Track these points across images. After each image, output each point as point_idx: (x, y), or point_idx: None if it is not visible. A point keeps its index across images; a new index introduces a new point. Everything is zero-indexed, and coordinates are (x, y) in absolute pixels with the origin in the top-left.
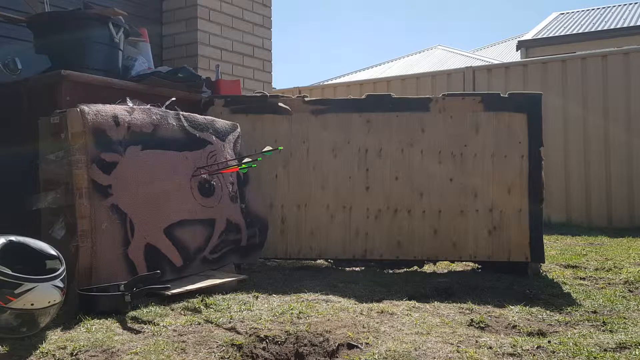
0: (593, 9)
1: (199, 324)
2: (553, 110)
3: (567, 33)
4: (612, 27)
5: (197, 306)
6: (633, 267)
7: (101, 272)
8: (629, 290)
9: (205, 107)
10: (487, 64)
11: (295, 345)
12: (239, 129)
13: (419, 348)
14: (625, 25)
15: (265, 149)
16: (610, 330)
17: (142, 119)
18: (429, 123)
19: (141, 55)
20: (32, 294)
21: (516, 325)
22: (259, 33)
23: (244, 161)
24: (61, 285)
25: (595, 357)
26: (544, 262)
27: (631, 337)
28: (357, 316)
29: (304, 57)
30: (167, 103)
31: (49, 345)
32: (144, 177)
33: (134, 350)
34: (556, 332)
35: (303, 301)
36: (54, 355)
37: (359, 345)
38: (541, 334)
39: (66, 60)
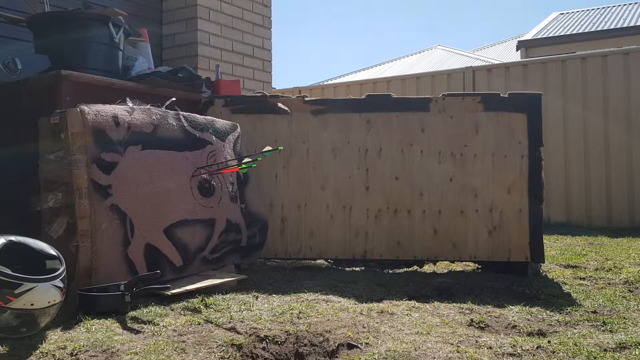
0: (593, 9)
1: (199, 324)
2: (553, 110)
3: (567, 33)
4: (612, 27)
5: (197, 306)
6: (633, 267)
7: (101, 272)
8: (629, 290)
9: (205, 107)
10: (487, 64)
11: (295, 345)
12: (239, 129)
13: (419, 348)
14: (625, 25)
15: (265, 149)
16: (610, 330)
17: (142, 119)
18: (429, 123)
19: (141, 55)
20: (32, 294)
21: (516, 325)
22: (259, 33)
23: (244, 161)
24: (61, 285)
25: (595, 357)
26: (544, 262)
27: (631, 337)
28: (357, 316)
29: (304, 57)
30: (167, 103)
31: (49, 345)
32: (144, 177)
33: (134, 350)
34: (556, 332)
35: (303, 301)
36: (54, 355)
37: (359, 345)
38: (541, 334)
39: (66, 60)
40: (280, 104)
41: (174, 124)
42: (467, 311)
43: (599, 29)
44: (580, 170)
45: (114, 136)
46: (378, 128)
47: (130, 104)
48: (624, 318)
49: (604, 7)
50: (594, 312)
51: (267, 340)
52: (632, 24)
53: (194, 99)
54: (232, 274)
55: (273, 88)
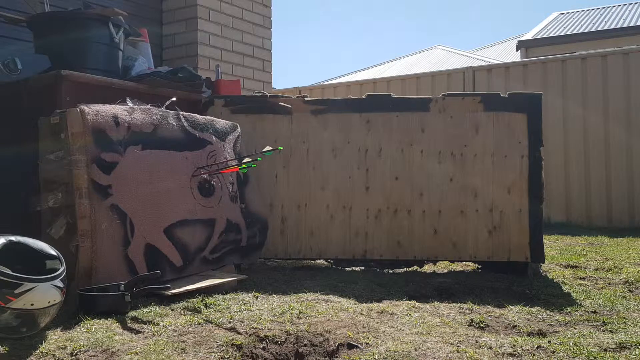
0: (593, 9)
1: (199, 324)
2: (553, 110)
3: (567, 33)
4: (612, 27)
5: (197, 306)
6: (633, 267)
7: (101, 272)
8: (629, 290)
9: (205, 107)
10: (487, 64)
11: (295, 345)
12: (239, 129)
13: (419, 348)
14: (625, 25)
15: (265, 149)
16: (610, 330)
17: (142, 119)
18: (429, 123)
19: (141, 55)
20: (32, 294)
21: (516, 325)
22: (259, 33)
23: (244, 161)
24: (61, 285)
25: (595, 357)
26: (544, 262)
27: (631, 337)
28: (357, 316)
29: (304, 57)
30: (167, 103)
31: (49, 345)
32: (144, 177)
33: (134, 350)
34: (556, 332)
35: (303, 301)
36: (54, 355)
37: (359, 345)
38: (541, 334)
39: (66, 60)
40: (282, 103)
41: (174, 124)
42: (467, 311)
43: (599, 29)
44: (580, 170)
45: (114, 136)
46: (378, 128)
47: (130, 104)
48: (624, 318)
49: (604, 7)
50: (594, 312)
51: (267, 340)
52: (632, 24)
53: (194, 99)
54: (232, 274)
55: (273, 88)
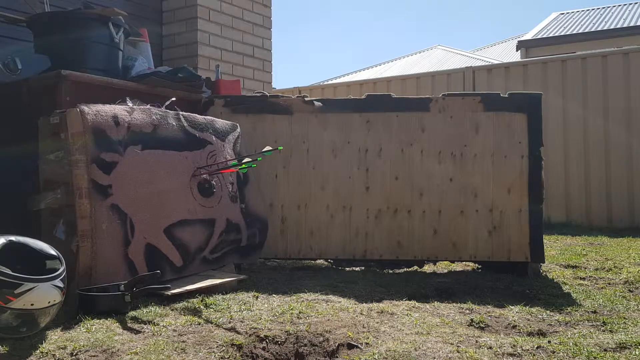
0: (593, 9)
1: (199, 324)
2: (553, 110)
3: (567, 33)
4: (612, 27)
5: (197, 306)
6: (633, 267)
7: (101, 272)
8: (629, 290)
9: (205, 107)
10: (487, 64)
11: (295, 345)
12: (239, 129)
13: (419, 348)
14: (625, 25)
15: (265, 149)
16: (610, 330)
17: (142, 119)
18: (429, 123)
19: (141, 55)
20: (32, 294)
21: (516, 325)
22: (259, 33)
23: (244, 161)
24: (61, 285)
25: (595, 357)
26: (544, 262)
27: (631, 337)
28: (357, 316)
29: (304, 57)
30: (167, 103)
31: (49, 345)
32: (144, 177)
33: (134, 350)
34: (556, 332)
35: (303, 301)
36: (54, 355)
37: (359, 345)
38: (541, 334)
39: (66, 60)
40: (281, 102)
41: (174, 124)
42: (467, 311)
43: (599, 29)
44: (580, 170)
45: (114, 136)
46: (378, 128)
47: (130, 104)
48: (624, 318)
49: (604, 7)
50: (594, 312)
51: (267, 340)
52: (632, 24)
53: (194, 99)
54: (232, 274)
55: (273, 88)
